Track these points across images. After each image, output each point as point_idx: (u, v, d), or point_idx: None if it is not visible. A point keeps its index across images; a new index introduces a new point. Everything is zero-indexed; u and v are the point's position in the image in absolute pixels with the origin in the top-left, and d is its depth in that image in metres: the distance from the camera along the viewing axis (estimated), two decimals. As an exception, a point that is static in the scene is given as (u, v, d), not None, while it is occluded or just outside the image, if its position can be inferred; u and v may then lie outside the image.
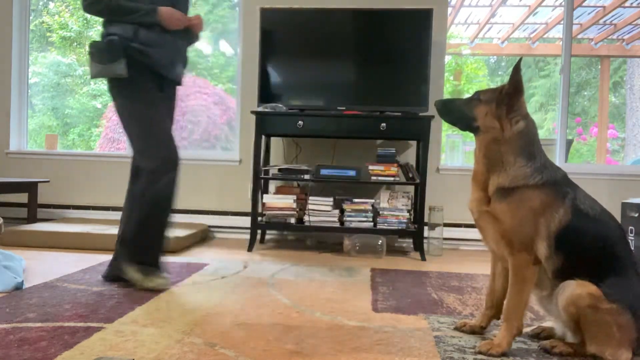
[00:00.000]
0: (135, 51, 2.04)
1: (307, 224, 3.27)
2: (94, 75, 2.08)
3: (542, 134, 8.79)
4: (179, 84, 2.29)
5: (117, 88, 2.09)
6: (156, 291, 2.08)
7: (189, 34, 2.25)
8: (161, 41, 2.10)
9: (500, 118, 1.50)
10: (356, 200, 3.28)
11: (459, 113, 1.60)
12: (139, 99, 2.09)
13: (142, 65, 2.06)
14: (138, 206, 2.11)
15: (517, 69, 1.49)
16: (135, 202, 2.13)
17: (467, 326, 1.69)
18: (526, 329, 1.72)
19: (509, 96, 1.50)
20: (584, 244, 1.43)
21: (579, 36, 6.41)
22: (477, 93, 1.59)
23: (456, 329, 1.71)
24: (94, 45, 2.07)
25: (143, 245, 2.12)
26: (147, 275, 2.09)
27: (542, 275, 1.48)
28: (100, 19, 2.15)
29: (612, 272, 1.40)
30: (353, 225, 3.23)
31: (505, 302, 1.55)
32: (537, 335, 1.65)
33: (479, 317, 1.71)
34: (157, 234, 2.15)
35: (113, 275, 2.21)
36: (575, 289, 1.38)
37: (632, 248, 1.60)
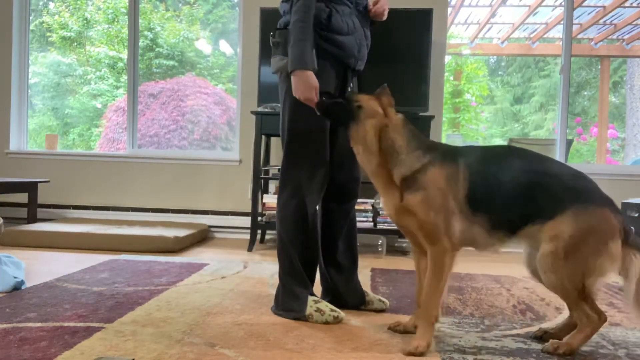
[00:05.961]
0: (324, 40, 1.70)
1: (307, 224, 3.26)
2: (279, 70, 1.75)
3: (542, 134, 8.82)
4: (360, 72, 1.92)
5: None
6: (155, 291, 2.08)
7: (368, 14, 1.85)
8: (352, 26, 1.75)
9: (383, 105, 1.57)
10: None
11: (340, 102, 1.63)
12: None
13: (328, 57, 1.73)
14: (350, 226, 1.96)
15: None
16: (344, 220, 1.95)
17: (400, 326, 1.66)
18: (527, 330, 1.72)
19: (388, 95, 1.59)
20: (494, 194, 1.46)
21: (579, 36, 6.40)
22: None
23: (390, 329, 1.67)
24: (282, 33, 1.70)
25: None
26: None
27: (495, 240, 1.50)
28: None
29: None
30: (353, 225, 3.23)
31: (424, 291, 1.52)
32: (539, 338, 1.63)
33: (411, 317, 1.67)
34: None
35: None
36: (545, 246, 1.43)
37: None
